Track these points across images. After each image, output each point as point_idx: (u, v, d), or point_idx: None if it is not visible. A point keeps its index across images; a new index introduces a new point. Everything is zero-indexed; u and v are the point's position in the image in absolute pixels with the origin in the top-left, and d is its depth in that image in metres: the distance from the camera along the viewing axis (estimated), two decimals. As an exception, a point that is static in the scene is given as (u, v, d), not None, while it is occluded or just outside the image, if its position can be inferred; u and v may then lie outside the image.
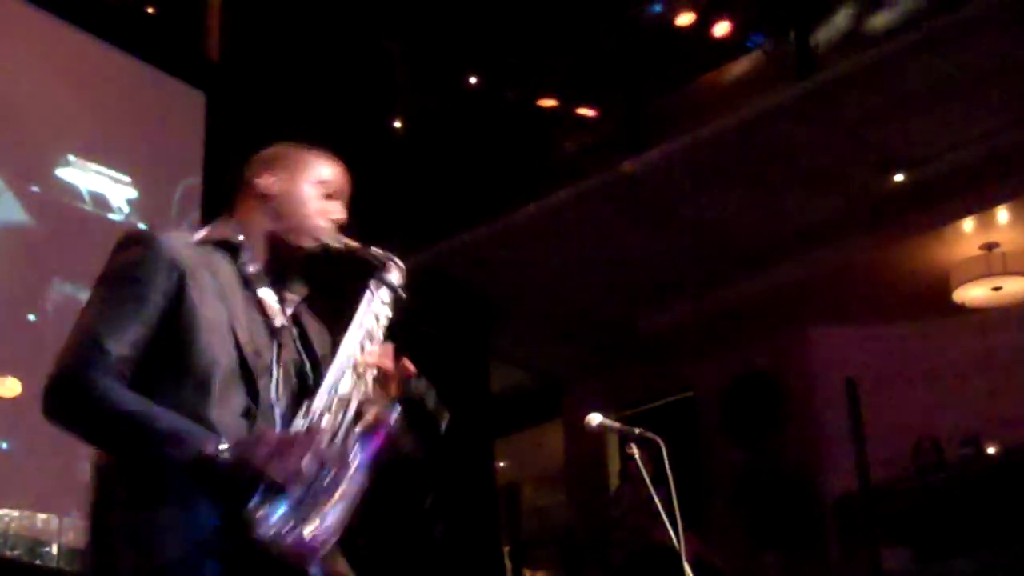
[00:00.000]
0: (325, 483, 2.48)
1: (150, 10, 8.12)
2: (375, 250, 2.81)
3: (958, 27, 7.03)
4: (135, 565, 2.40)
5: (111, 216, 7.24)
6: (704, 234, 8.60)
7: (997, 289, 8.93)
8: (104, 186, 7.28)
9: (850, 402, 8.37)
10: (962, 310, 9.11)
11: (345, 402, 2.60)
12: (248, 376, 2.58)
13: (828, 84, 7.51)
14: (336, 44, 8.69)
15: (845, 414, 8.42)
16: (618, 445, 8.80)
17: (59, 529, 6.32)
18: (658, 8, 8.74)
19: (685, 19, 8.32)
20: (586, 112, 9.03)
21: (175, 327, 2.54)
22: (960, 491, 8.30)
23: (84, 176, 7.15)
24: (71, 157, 7.14)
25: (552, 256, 8.86)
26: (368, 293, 2.77)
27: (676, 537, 3.32)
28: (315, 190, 2.80)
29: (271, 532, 2.40)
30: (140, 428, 2.44)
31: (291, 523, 2.42)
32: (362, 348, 2.69)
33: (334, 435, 2.54)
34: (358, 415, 2.60)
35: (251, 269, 2.70)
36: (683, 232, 8.60)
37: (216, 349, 2.55)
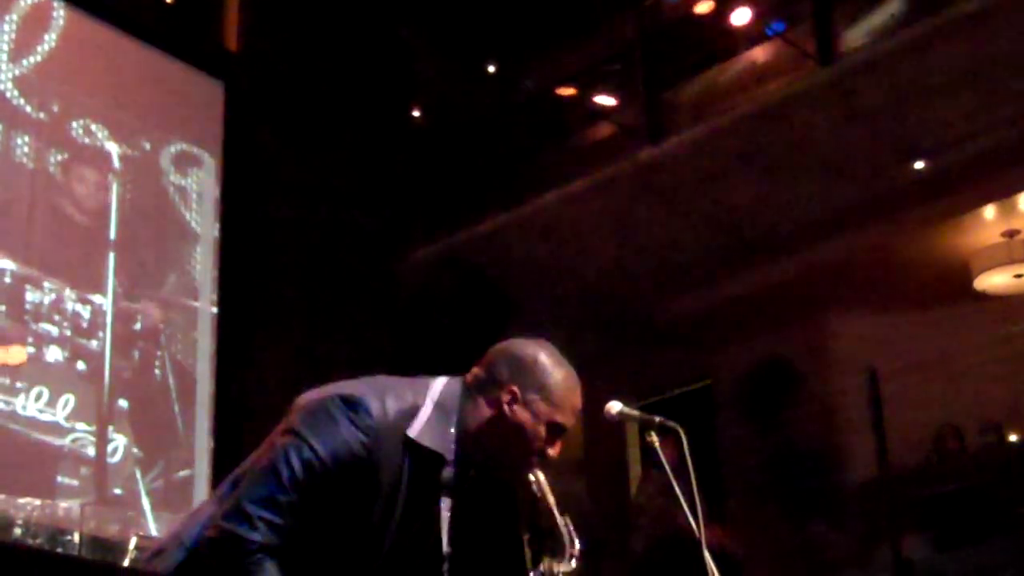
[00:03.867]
0: None
1: (169, 0, 8.13)
2: (567, 528, 2.76)
3: (978, 13, 7.00)
4: None
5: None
6: (723, 222, 8.59)
7: (1019, 276, 8.89)
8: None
9: (871, 390, 8.35)
10: (983, 297, 9.07)
11: None
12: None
13: (848, 72, 7.49)
14: (355, 33, 8.70)
15: (866, 402, 8.40)
16: (638, 433, 8.82)
17: (81, 518, 6.36)
18: (677, -4, 8.73)
19: (704, 7, 8.30)
20: (605, 101, 9.02)
21: (330, 513, 2.53)
22: (981, 479, 8.27)
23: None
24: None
25: (570, 244, 8.86)
26: (542, 566, 2.76)
27: (696, 525, 3.32)
28: (545, 431, 2.69)
29: None
30: None
31: None
32: None
33: None
34: None
35: (447, 476, 2.64)
36: (702, 220, 8.59)
37: (364, 550, 2.56)
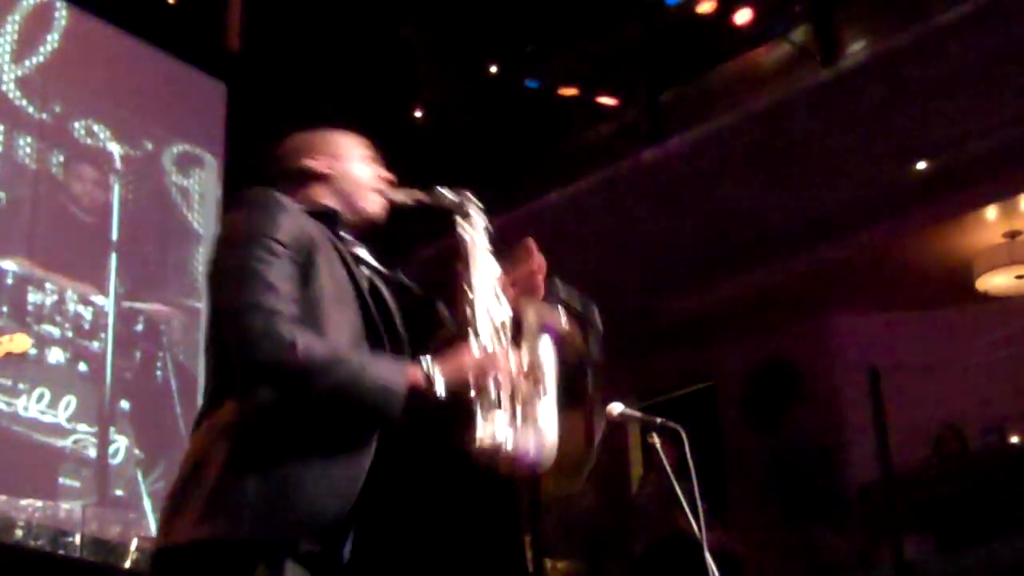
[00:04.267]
0: (528, 396, 2.55)
1: (171, 1, 8.13)
2: (445, 192, 2.88)
3: (981, 13, 7.00)
4: (278, 518, 2.35)
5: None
6: (725, 222, 8.58)
7: (1021, 277, 8.89)
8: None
9: (872, 390, 8.34)
10: (985, 298, 9.08)
11: (504, 325, 2.66)
12: (377, 341, 2.59)
13: (851, 72, 7.48)
14: (356, 34, 8.69)
15: (868, 402, 8.40)
16: (639, 434, 8.81)
17: (82, 519, 6.36)
18: (679, -4, 8.71)
19: (707, 6, 8.28)
20: (607, 100, 9.01)
21: (308, 292, 2.51)
22: (983, 480, 8.27)
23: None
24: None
25: (573, 244, 8.85)
26: (461, 230, 2.84)
27: (697, 526, 3.32)
28: (363, 162, 2.87)
29: (494, 444, 2.45)
30: (355, 370, 2.41)
31: (513, 435, 2.48)
32: (484, 274, 2.75)
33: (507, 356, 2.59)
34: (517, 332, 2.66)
35: (343, 234, 2.73)
36: (705, 220, 8.59)
37: (348, 316, 2.56)
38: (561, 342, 2.68)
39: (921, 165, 8.04)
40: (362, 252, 2.75)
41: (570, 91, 9.02)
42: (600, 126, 8.97)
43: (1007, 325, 9.06)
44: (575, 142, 9.05)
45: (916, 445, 8.62)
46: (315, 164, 2.80)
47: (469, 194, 2.89)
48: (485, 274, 2.75)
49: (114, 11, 7.54)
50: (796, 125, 7.79)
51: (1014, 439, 8.74)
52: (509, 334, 2.65)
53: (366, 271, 2.71)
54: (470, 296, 2.69)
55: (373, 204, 2.82)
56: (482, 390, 2.48)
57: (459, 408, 2.48)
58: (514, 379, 2.54)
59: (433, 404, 2.45)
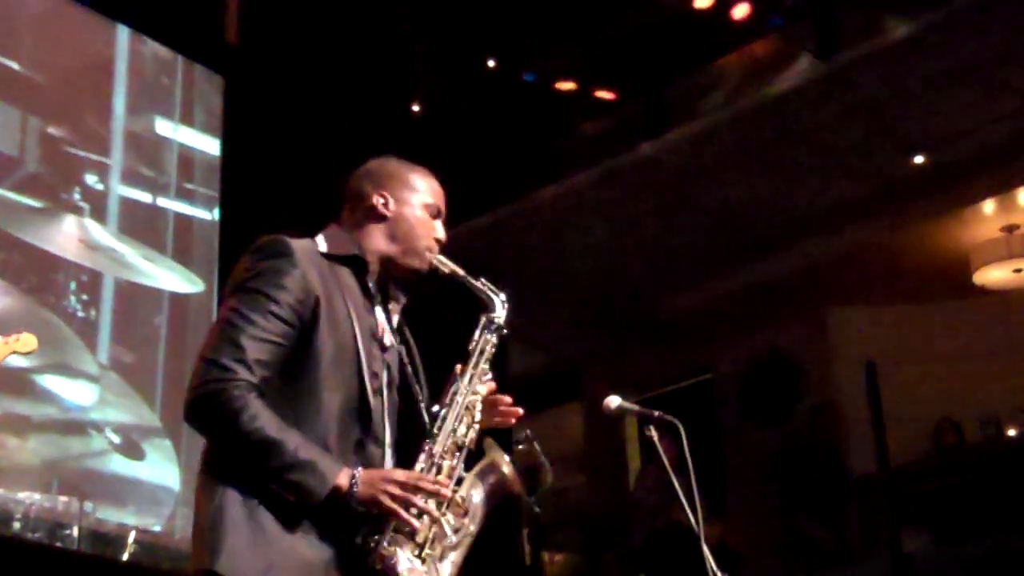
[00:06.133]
0: (447, 529, 2.57)
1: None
2: (483, 283, 2.93)
3: (977, 7, 6.99)
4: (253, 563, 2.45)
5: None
6: (723, 216, 8.58)
7: (1018, 271, 8.89)
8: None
9: (870, 384, 8.36)
10: (983, 292, 9.08)
11: (462, 446, 2.72)
12: (365, 406, 2.65)
13: (848, 66, 7.48)
14: (354, 27, 8.68)
15: (865, 396, 8.41)
16: (637, 428, 8.82)
17: (80, 512, 6.36)
18: (677, -11, 8.70)
19: (704, 1, 8.28)
20: (605, 94, 9.00)
21: (305, 352, 2.59)
22: (980, 473, 8.28)
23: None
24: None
25: (571, 238, 8.86)
26: (482, 332, 2.88)
27: (695, 520, 3.32)
28: (424, 212, 2.90)
29: (396, 572, 2.48)
30: (278, 452, 2.47)
31: (416, 566, 2.51)
32: (475, 386, 2.80)
33: (452, 479, 2.65)
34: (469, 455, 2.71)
35: (371, 285, 2.79)
36: (702, 214, 8.59)
37: (344, 378, 2.62)
38: (501, 487, 2.73)
39: (918, 159, 8.04)
40: (380, 315, 2.79)
41: (568, 85, 9.01)
42: (598, 120, 8.97)
43: (1005, 318, 9.07)
44: (573, 136, 9.05)
45: (914, 438, 8.64)
46: (379, 202, 2.86)
47: (503, 296, 2.93)
48: (473, 388, 2.80)
49: (110, 3, 7.52)
50: (793, 119, 7.79)
51: (1011, 432, 8.75)
52: (463, 459, 2.71)
53: (388, 335, 2.77)
54: (447, 404, 2.75)
55: (419, 262, 2.86)
56: (397, 513, 2.50)
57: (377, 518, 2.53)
58: (435, 513, 2.56)
59: (352, 511, 2.51)
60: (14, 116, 6.91)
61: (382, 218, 2.85)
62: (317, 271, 2.66)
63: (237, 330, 2.53)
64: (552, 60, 9.07)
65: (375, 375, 2.69)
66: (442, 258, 2.90)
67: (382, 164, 2.96)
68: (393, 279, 2.86)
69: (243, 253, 2.72)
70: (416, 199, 2.89)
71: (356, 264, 2.78)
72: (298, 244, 2.69)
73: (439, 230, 2.92)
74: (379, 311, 2.79)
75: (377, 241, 2.83)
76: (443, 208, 2.97)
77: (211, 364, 2.51)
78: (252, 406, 2.48)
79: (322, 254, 2.74)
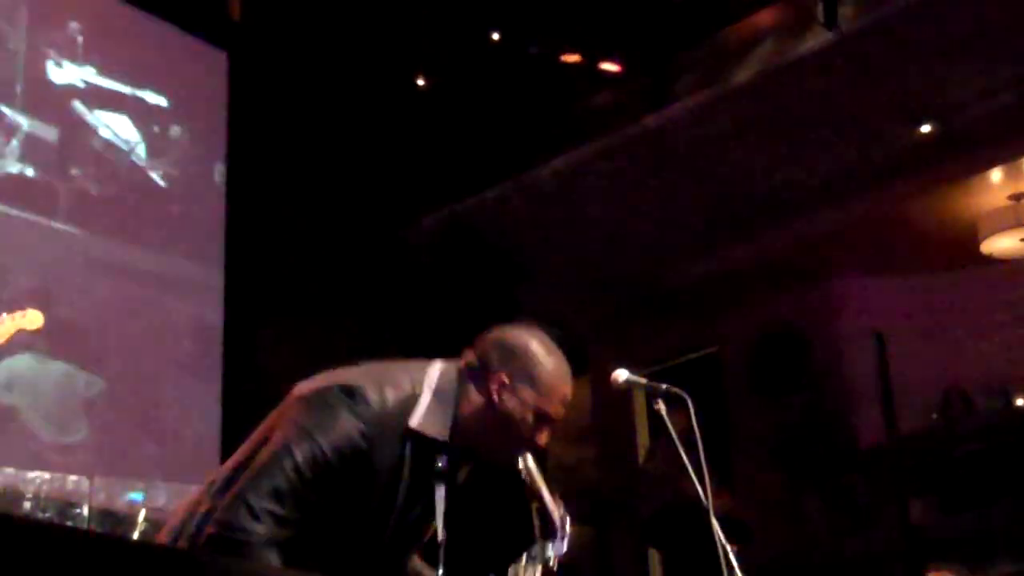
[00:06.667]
0: None
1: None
2: (559, 511, 2.71)
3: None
4: None
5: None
6: (729, 187, 8.57)
7: (1026, 240, 8.87)
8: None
9: (878, 354, 8.35)
10: (990, 261, 9.05)
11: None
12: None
13: (855, 35, 7.44)
14: (358, 1, 8.65)
15: (873, 366, 8.40)
16: (645, 401, 8.82)
17: (90, 490, 6.37)
18: (683, -40, 8.65)
19: (709, -30, 8.23)
20: (610, 67, 8.97)
21: (329, 503, 2.55)
22: (988, 442, 8.28)
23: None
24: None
25: (577, 211, 8.85)
26: (525, 558, 2.70)
27: (704, 492, 3.32)
28: (536, 420, 2.73)
29: None
30: None
31: None
32: None
33: None
34: None
35: (440, 465, 2.66)
36: (709, 185, 8.57)
37: (356, 540, 2.59)
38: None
39: (926, 128, 8.02)
40: (440, 497, 2.65)
41: (573, 57, 8.98)
42: (603, 92, 8.94)
43: (1012, 288, 9.05)
44: (578, 108, 9.02)
45: (922, 408, 8.63)
46: (493, 385, 2.70)
47: (569, 525, 2.71)
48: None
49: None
50: (800, 89, 7.76)
51: (1019, 401, 8.74)
52: None
53: (440, 513, 2.65)
54: None
55: (502, 456, 2.71)
56: None
57: None
58: None
59: None
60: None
61: (489, 396, 2.69)
62: (388, 433, 2.57)
63: (280, 478, 2.50)
64: (557, 33, 9.04)
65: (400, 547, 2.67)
66: (531, 465, 2.70)
67: (520, 343, 2.78)
68: (471, 456, 2.76)
69: (328, 384, 2.63)
70: (533, 401, 2.72)
71: (432, 448, 2.64)
72: (379, 402, 2.58)
73: (542, 438, 2.76)
74: (440, 492, 2.66)
75: (471, 418, 2.69)
76: (561, 412, 2.78)
77: (248, 510, 2.47)
78: (263, 558, 2.45)
79: (407, 427, 2.62)
